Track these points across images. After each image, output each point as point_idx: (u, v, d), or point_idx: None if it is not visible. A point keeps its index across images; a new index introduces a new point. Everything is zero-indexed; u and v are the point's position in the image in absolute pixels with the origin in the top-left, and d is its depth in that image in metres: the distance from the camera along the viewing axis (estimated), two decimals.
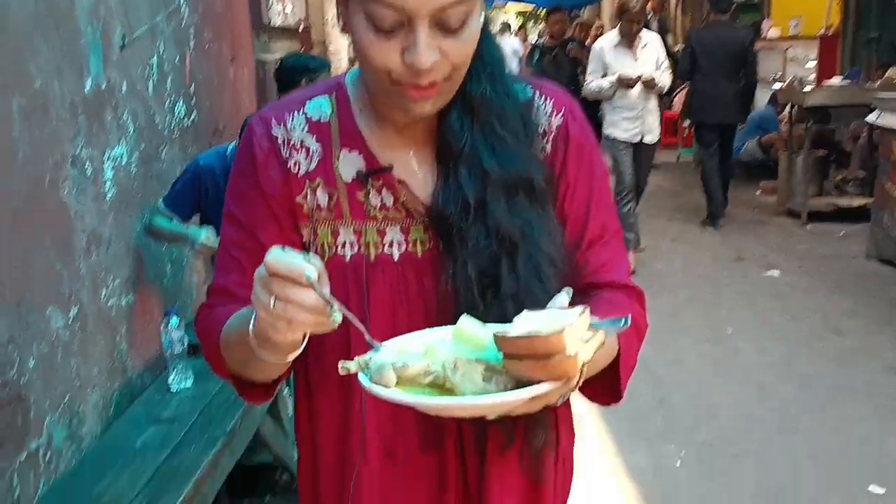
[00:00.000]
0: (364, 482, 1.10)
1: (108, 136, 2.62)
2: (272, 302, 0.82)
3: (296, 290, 0.82)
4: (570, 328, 0.81)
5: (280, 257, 0.82)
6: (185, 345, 2.56)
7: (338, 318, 0.85)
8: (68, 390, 2.26)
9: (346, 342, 1.05)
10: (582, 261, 1.10)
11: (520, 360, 0.84)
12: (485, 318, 0.94)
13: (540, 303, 0.92)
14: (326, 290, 0.84)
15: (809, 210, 7.03)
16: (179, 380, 2.56)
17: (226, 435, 2.21)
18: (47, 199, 2.23)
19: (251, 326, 0.91)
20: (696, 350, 4.48)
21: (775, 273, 5.82)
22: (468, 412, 0.90)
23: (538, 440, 1.07)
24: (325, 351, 1.08)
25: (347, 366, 0.89)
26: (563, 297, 0.92)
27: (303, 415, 1.18)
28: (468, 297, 1.01)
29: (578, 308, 0.86)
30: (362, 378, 0.88)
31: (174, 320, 2.54)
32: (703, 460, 3.31)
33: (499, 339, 0.85)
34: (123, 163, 2.73)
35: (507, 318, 0.91)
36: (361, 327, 0.90)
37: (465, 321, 0.92)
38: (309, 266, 0.81)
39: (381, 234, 1.08)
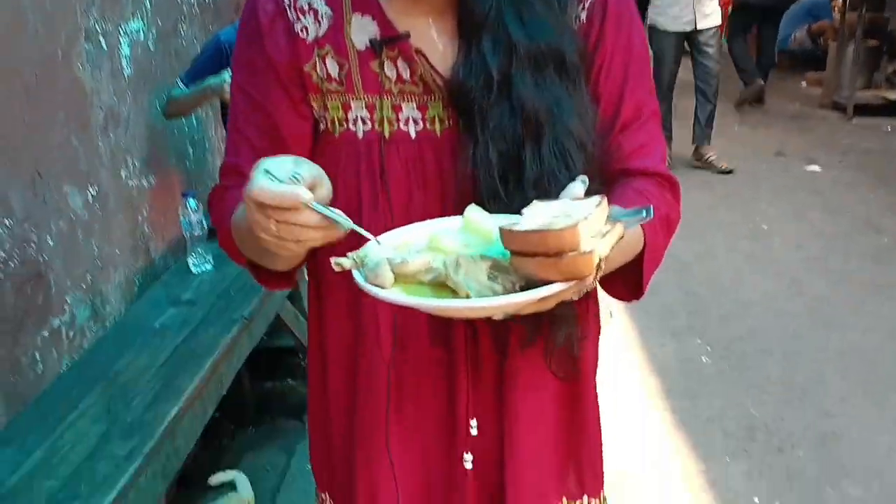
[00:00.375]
0: (375, 372, 1.06)
1: (123, 9, 2.52)
2: (273, 227, 0.76)
3: (295, 214, 0.75)
4: (584, 222, 0.73)
5: (265, 187, 0.73)
6: (205, 228, 2.52)
7: (347, 225, 0.78)
8: (90, 270, 2.25)
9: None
10: (614, 144, 1.01)
11: (529, 258, 0.76)
12: (506, 206, 0.86)
13: None
14: (328, 194, 0.77)
15: (856, 103, 6.79)
16: (199, 262, 2.55)
17: (243, 318, 2.21)
18: (61, 74, 2.15)
19: None
20: (730, 245, 4.40)
21: (816, 168, 5.65)
22: (469, 314, 0.83)
23: (562, 334, 1.00)
24: None
25: (341, 262, 0.82)
26: (578, 186, 0.83)
27: (313, 301, 1.13)
28: (488, 182, 0.93)
29: (595, 198, 0.77)
30: (357, 276, 0.82)
31: (192, 203, 2.49)
32: (730, 355, 3.27)
33: (506, 235, 0.77)
34: (140, 39, 2.63)
35: None
36: (367, 234, 0.84)
37: (473, 212, 0.84)
38: (300, 189, 0.73)
39: (397, 109, 0.99)
